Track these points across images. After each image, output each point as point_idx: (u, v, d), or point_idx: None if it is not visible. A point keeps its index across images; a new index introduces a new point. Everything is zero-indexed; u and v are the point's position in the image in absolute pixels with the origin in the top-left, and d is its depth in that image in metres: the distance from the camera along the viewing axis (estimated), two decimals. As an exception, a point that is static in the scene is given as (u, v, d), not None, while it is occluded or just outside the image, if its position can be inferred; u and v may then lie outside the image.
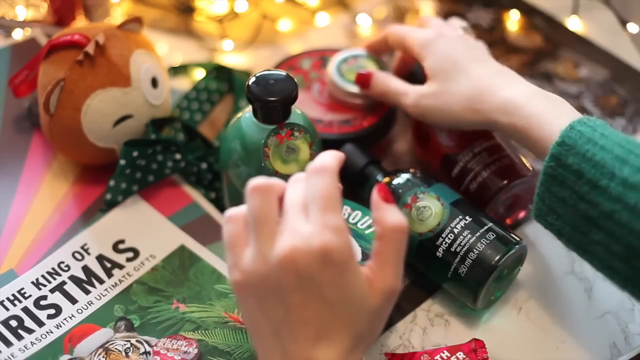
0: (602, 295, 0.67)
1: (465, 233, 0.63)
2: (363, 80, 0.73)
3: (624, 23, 0.86)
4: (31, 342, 0.61)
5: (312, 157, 0.64)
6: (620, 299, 0.67)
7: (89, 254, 0.67)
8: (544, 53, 0.88)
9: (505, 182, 0.67)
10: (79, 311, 0.64)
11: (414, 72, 0.78)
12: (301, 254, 0.47)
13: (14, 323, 0.62)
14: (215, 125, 0.79)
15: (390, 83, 0.71)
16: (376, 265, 0.50)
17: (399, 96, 0.70)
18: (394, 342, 0.65)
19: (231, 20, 0.88)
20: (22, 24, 0.83)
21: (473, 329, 0.65)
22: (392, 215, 0.50)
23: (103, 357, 0.61)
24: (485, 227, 0.63)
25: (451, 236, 0.63)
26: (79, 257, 0.67)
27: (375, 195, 0.51)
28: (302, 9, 0.91)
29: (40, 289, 0.65)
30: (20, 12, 0.83)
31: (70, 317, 0.63)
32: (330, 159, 0.50)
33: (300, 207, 0.49)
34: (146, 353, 0.61)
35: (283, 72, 0.62)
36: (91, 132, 0.68)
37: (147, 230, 0.69)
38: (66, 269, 0.66)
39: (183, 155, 0.71)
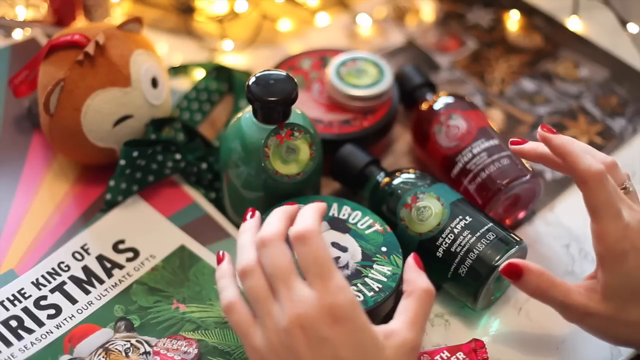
0: (602, 295, 0.67)
1: (465, 233, 0.63)
2: (513, 271, 0.58)
3: (624, 23, 0.86)
4: (31, 342, 0.61)
5: (312, 157, 0.64)
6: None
7: (89, 254, 0.67)
8: (544, 53, 0.88)
9: (505, 182, 0.67)
10: (79, 311, 0.64)
11: (403, 74, 0.78)
12: (307, 319, 0.49)
13: (14, 323, 0.62)
14: (215, 125, 0.79)
15: (550, 289, 0.58)
16: (400, 320, 0.52)
17: (559, 307, 0.59)
18: (394, 342, 0.65)
19: (231, 20, 0.88)
20: (22, 24, 0.83)
21: (473, 329, 0.65)
22: (425, 280, 0.54)
23: (103, 357, 0.61)
24: (485, 227, 0.63)
25: (451, 236, 0.63)
26: (79, 257, 0.67)
27: (411, 260, 0.55)
28: (302, 9, 0.91)
29: (40, 289, 0.65)
30: (20, 12, 0.83)
31: (70, 317, 0.63)
32: (311, 220, 0.51)
33: (289, 273, 0.50)
34: (146, 353, 0.61)
35: (283, 72, 0.62)
36: (91, 132, 0.68)
37: (147, 230, 0.69)
38: (66, 269, 0.66)
39: (183, 155, 0.71)
